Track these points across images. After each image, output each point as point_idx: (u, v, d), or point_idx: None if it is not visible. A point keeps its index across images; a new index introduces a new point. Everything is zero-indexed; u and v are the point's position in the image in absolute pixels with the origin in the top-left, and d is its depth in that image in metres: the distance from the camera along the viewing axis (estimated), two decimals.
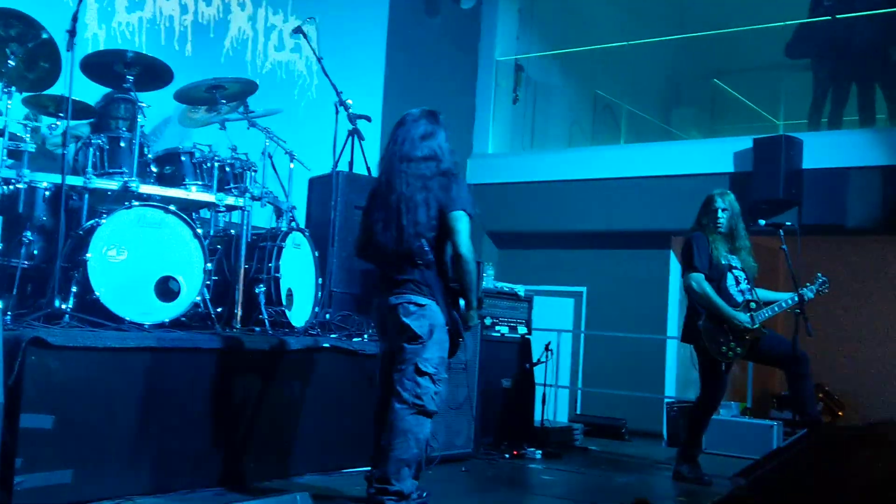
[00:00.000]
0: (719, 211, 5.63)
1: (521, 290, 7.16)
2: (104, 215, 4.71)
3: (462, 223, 4.03)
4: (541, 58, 10.46)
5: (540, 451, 6.55)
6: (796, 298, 5.52)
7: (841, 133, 8.29)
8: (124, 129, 5.21)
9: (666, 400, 8.35)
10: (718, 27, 9.58)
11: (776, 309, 5.61)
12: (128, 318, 4.59)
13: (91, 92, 5.44)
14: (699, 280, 5.53)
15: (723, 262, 5.60)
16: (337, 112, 5.68)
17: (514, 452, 6.42)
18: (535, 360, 7.01)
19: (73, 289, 4.56)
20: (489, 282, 6.94)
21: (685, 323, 5.82)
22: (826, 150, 8.00)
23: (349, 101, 5.68)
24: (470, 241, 4.03)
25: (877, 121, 8.38)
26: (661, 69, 11.27)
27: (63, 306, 4.50)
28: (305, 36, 6.31)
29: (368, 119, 6.37)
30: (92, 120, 5.46)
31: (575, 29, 10.53)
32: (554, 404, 8.20)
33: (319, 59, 5.90)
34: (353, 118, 6.05)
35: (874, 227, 7.87)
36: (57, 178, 4.74)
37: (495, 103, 10.08)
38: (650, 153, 9.02)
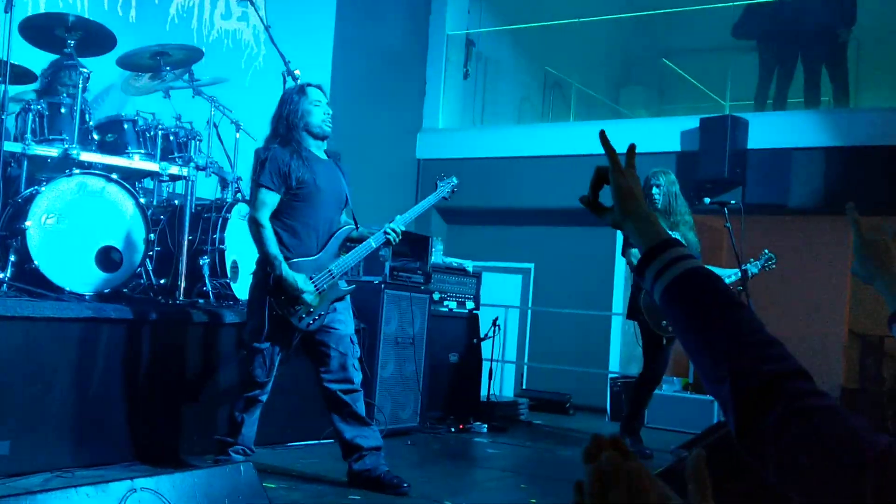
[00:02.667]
0: (653, 188, 5.72)
1: (469, 265, 7.18)
2: (44, 183, 4.59)
3: (253, 193, 4.22)
4: (492, 33, 10.42)
5: (486, 425, 6.60)
6: (739, 274, 5.63)
7: (785, 114, 8.43)
8: (64, 94, 5.06)
9: (610, 375, 8.45)
10: (668, 7, 9.64)
11: None
12: (67, 289, 4.49)
13: (31, 55, 5.27)
14: (638, 256, 5.62)
15: None
16: (284, 82, 5.55)
17: (461, 426, 6.46)
18: (482, 336, 7.05)
19: (11, 258, 4.44)
20: (438, 257, 6.94)
21: (630, 300, 5.91)
22: (771, 130, 8.12)
23: (297, 72, 5.58)
24: (254, 207, 4.16)
25: (821, 102, 8.53)
26: (611, 48, 11.32)
27: (0, 275, 4.39)
28: (253, 4, 6.20)
29: None
30: (36, 86, 5.31)
31: (527, 5, 10.50)
32: (500, 379, 8.26)
33: (267, 28, 5.79)
34: None
35: (816, 206, 8.03)
36: None
37: (446, 78, 10.03)
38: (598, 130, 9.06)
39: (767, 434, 1.02)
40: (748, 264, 5.71)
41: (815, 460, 0.98)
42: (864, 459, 0.95)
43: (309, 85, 4.40)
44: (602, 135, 1.42)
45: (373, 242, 4.37)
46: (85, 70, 5.03)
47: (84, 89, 4.95)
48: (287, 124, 4.24)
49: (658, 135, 8.65)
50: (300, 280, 4.07)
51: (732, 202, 5.77)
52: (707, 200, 5.85)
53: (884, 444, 0.96)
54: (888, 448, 0.95)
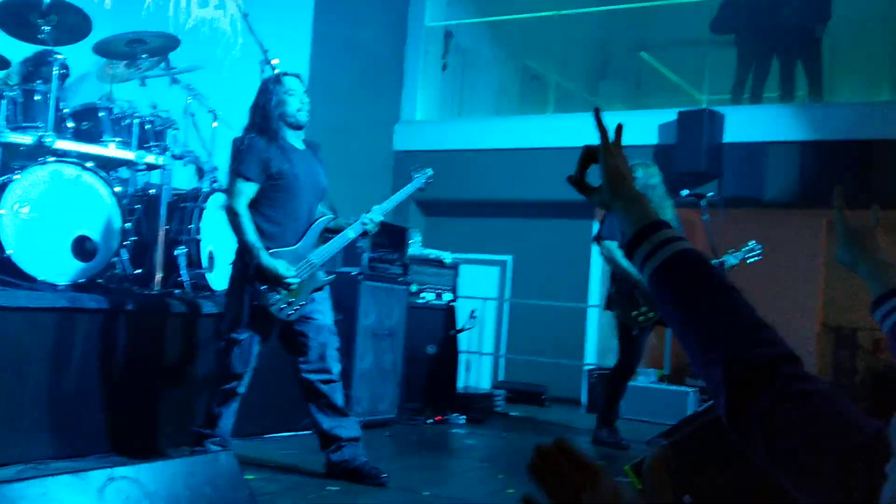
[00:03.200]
0: None
1: (447, 257, 7.18)
2: (17, 171, 4.53)
3: (231, 183, 4.18)
4: (471, 25, 10.41)
5: (463, 417, 6.61)
6: (716, 265, 5.65)
7: (761, 108, 8.48)
8: (39, 81, 4.98)
9: (586, 367, 8.49)
10: (646, 0, 9.66)
11: None
12: (41, 278, 4.43)
13: (3, 40, 5.18)
14: (611, 248, 5.66)
15: None
16: (262, 71, 5.52)
17: (438, 418, 6.46)
18: (459, 327, 7.05)
19: None
20: (415, 248, 6.93)
21: (608, 291, 5.94)
22: (747, 124, 8.17)
23: (275, 61, 5.54)
24: (231, 197, 4.12)
25: (796, 97, 8.59)
26: (589, 41, 11.33)
27: None
28: None
29: None
30: (10, 69, 5.22)
31: None
32: (477, 371, 8.28)
33: (245, 16, 5.75)
34: None
35: (791, 200, 8.10)
36: None
37: (424, 70, 10.01)
38: (577, 124, 9.05)
39: (758, 417, 1.01)
40: (728, 255, 5.74)
41: (805, 444, 0.98)
42: (853, 444, 0.95)
43: (286, 74, 4.37)
44: (596, 112, 1.40)
45: (350, 233, 4.35)
46: (60, 56, 4.96)
47: (64, 77, 4.88)
48: (263, 113, 4.21)
49: (635, 128, 8.64)
50: (281, 266, 4.04)
51: (709, 195, 5.81)
52: (684, 193, 5.87)
53: (873, 428, 0.96)
54: (877, 433, 0.95)
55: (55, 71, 4.89)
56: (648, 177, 5.73)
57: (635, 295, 5.63)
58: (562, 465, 1.00)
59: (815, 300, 10.30)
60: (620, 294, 5.67)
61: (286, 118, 4.22)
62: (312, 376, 4.22)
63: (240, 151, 4.15)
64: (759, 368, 1.03)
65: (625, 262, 5.60)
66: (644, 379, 7.63)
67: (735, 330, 1.08)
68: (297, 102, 4.24)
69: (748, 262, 5.82)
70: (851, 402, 1.01)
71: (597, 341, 9.00)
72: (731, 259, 5.74)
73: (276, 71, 4.93)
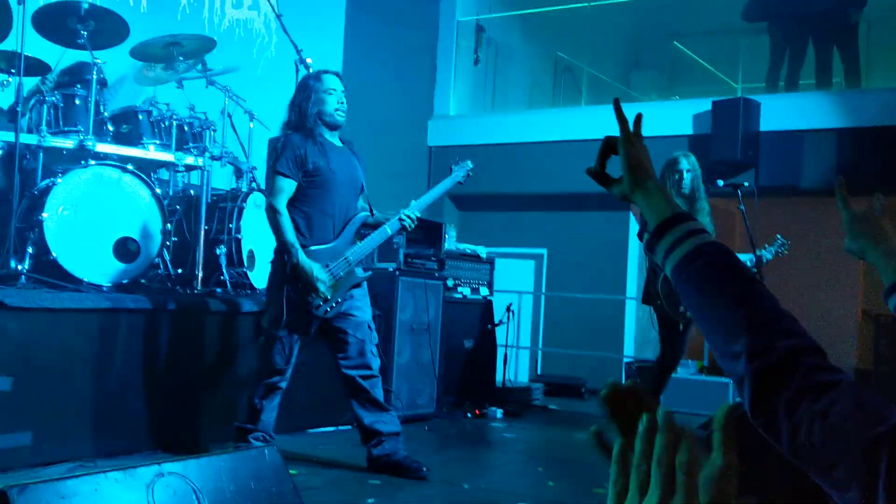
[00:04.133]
0: (684, 172, 5.64)
1: (482, 251, 7.19)
2: (60, 174, 4.62)
3: (270, 181, 4.26)
4: (502, 18, 10.40)
5: (501, 410, 6.63)
6: (754, 260, 5.60)
7: (797, 96, 8.39)
8: (78, 86, 5.08)
9: (625, 359, 8.47)
10: None
11: None
12: (86, 280, 4.52)
13: (44, 45, 5.29)
14: None
15: None
16: (297, 71, 5.58)
17: (476, 412, 6.48)
18: (496, 321, 7.07)
19: (29, 249, 4.48)
20: (451, 243, 6.95)
21: (645, 285, 5.89)
22: (783, 112, 8.09)
23: (309, 60, 5.58)
24: (271, 194, 4.18)
25: (832, 84, 8.49)
26: (622, 31, 11.28)
27: (19, 267, 4.42)
28: None
29: None
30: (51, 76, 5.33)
31: None
32: (515, 364, 8.28)
33: (279, 17, 5.80)
34: None
35: (828, 187, 7.99)
36: (9, 137, 4.63)
37: (456, 64, 10.03)
38: (610, 115, 8.97)
39: (782, 409, 1.02)
40: (762, 250, 5.68)
41: (829, 435, 0.98)
42: (877, 434, 0.95)
43: (325, 72, 4.39)
44: (616, 103, 1.39)
45: (388, 229, 4.37)
46: (98, 61, 5.05)
47: (102, 82, 4.97)
48: (300, 112, 4.24)
49: (670, 118, 8.62)
50: (316, 269, 4.09)
51: (745, 184, 5.74)
52: (720, 183, 5.83)
53: None
54: None
55: (94, 75, 4.98)
56: (694, 166, 5.68)
57: None
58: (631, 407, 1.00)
59: (856, 288, 10.17)
60: (668, 289, 5.60)
61: (323, 117, 4.25)
62: (353, 372, 4.27)
63: (278, 149, 4.21)
64: (782, 360, 1.04)
65: None
66: (684, 371, 7.60)
67: (757, 322, 1.08)
68: (335, 102, 4.26)
69: (780, 255, 5.76)
70: (894, 390, 1.01)
71: (635, 333, 8.97)
72: (766, 254, 5.67)
73: (313, 70, 4.97)
